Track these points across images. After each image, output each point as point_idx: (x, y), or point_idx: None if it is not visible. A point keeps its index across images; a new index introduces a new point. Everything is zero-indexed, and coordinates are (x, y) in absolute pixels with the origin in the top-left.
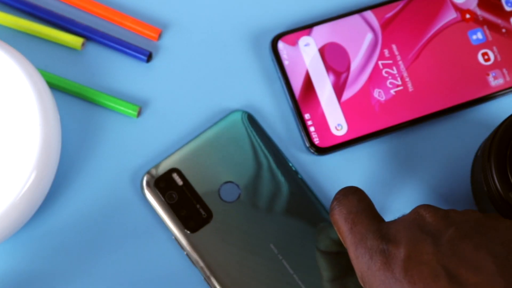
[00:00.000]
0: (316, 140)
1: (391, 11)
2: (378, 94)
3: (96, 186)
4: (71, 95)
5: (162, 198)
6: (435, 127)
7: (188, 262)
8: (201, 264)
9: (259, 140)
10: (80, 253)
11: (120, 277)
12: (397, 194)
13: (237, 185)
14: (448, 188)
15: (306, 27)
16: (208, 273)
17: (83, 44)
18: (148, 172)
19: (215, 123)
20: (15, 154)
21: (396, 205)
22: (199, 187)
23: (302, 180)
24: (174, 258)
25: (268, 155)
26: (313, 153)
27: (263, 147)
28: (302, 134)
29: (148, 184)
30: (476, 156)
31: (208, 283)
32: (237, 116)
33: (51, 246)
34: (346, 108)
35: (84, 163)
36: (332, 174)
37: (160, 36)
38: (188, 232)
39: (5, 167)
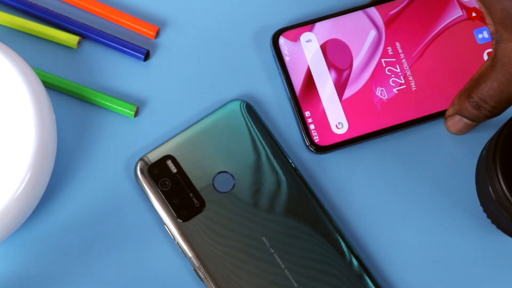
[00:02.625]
0: (316, 139)
1: (395, 8)
2: (380, 93)
3: (92, 187)
4: (67, 95)
5: (155, 185)
6: (438, 126)
7: (186, 264)
8: (191, 254)
9: (257, 131)
10: (77, 255)
11: (118, 278)
12: (400, 195)
13: (232, 175)
14: (452, 188)
15: (308, 23)
16: (197, 264)
17: (79, 43)
18: (142, 159)
19: (213, 112)
20: (10, 154)
21: (398, 206)
22: (193, 176)
23: (298, 173)
24: (173, 260)
25: (266, 146)
26: (313, 151)
27: (260, 138)
28: (302, 132)
29: (141, 170)
30: (481, 155)
31: (197, 274)
32: (236, 105)
33: (47, 248)
34: (347, 106)
35: (81, 164)
36: (332, 174)
37: (157, 34)
38: (180, 220)
39: (0, 168)
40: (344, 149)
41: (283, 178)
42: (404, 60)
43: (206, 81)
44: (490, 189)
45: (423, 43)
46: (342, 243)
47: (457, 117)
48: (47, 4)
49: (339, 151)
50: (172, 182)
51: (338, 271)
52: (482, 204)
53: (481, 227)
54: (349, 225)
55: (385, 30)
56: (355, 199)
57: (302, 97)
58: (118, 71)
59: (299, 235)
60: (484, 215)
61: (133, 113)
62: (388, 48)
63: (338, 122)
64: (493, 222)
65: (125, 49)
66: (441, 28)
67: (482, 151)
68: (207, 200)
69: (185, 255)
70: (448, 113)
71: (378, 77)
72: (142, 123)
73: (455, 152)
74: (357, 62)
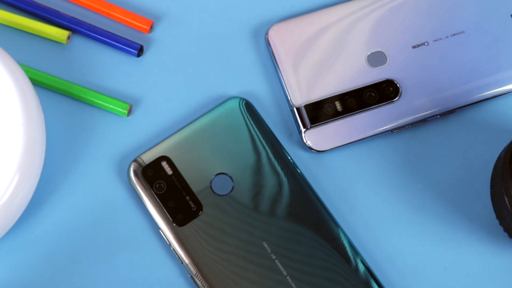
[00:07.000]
0: None
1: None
2: None
3: (83, 190)
4: (56, 93)
5: (150, 188)
6: (447, 123)
7: (183, 271)
8: (187, 260)
9: (256, 130)
10: (67, 262)
11: (111, 286)
12: (407, 197)
13: (231, 177)
14: (464, 191)
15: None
16: (194, 270)
17: (69, 38)
18: (136, 160)
19: (210, 110)
20: None
21: (406, 210)
22: (190, 178)
23: (300, 175)
24: (168, 267)
25: (266, 146)
26: (313, 150)
27: (260, 138)
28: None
29: (135, 172)
30: (498, 158)
31: (194, 281)
32: (234, 103)
33: (36, 255)
34: None
35: (71, 166)
36: (336, 175)
37: (151, 28)
38: (176, 225)
39: None
40: (348, 149)
41: (284, 180)
42: None
43: (203, 77)
44: (504, 194)
45: None
46: (347, 248)
47: None
48: None
49: (340, 149)
50: (167, 185)
51: (343, 278)
52: (495, 210)
53: (494, 236)
54: (354, 229)
55: None
56: (360, 201)
57: None
58: (110, 67)
59: (301, 240)
60: (497, 222)
61: (126, 111)
62: None
63: None
64: (505, 229)
65: (118, 44)
66: None
67: (501, 153)
68: (205, 204)
69: (182, 261)
70: None
71: None
72: (135, 122)
73: (467, 153)
74: None
